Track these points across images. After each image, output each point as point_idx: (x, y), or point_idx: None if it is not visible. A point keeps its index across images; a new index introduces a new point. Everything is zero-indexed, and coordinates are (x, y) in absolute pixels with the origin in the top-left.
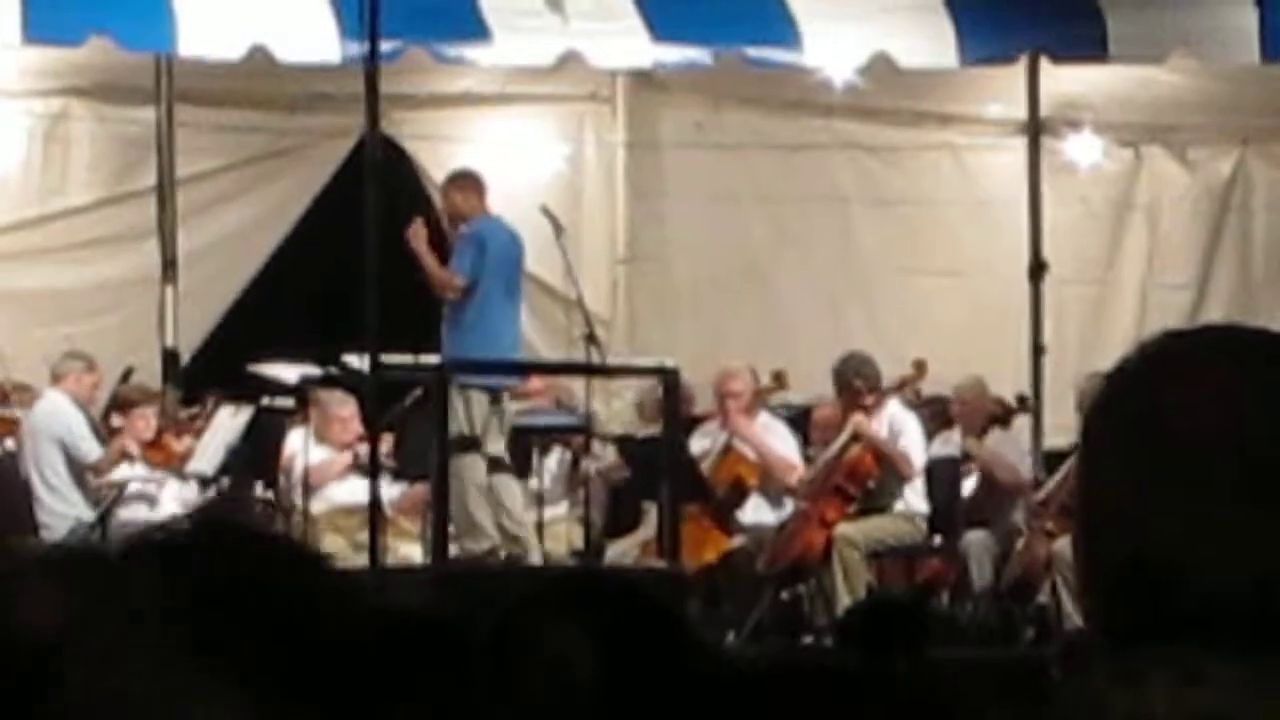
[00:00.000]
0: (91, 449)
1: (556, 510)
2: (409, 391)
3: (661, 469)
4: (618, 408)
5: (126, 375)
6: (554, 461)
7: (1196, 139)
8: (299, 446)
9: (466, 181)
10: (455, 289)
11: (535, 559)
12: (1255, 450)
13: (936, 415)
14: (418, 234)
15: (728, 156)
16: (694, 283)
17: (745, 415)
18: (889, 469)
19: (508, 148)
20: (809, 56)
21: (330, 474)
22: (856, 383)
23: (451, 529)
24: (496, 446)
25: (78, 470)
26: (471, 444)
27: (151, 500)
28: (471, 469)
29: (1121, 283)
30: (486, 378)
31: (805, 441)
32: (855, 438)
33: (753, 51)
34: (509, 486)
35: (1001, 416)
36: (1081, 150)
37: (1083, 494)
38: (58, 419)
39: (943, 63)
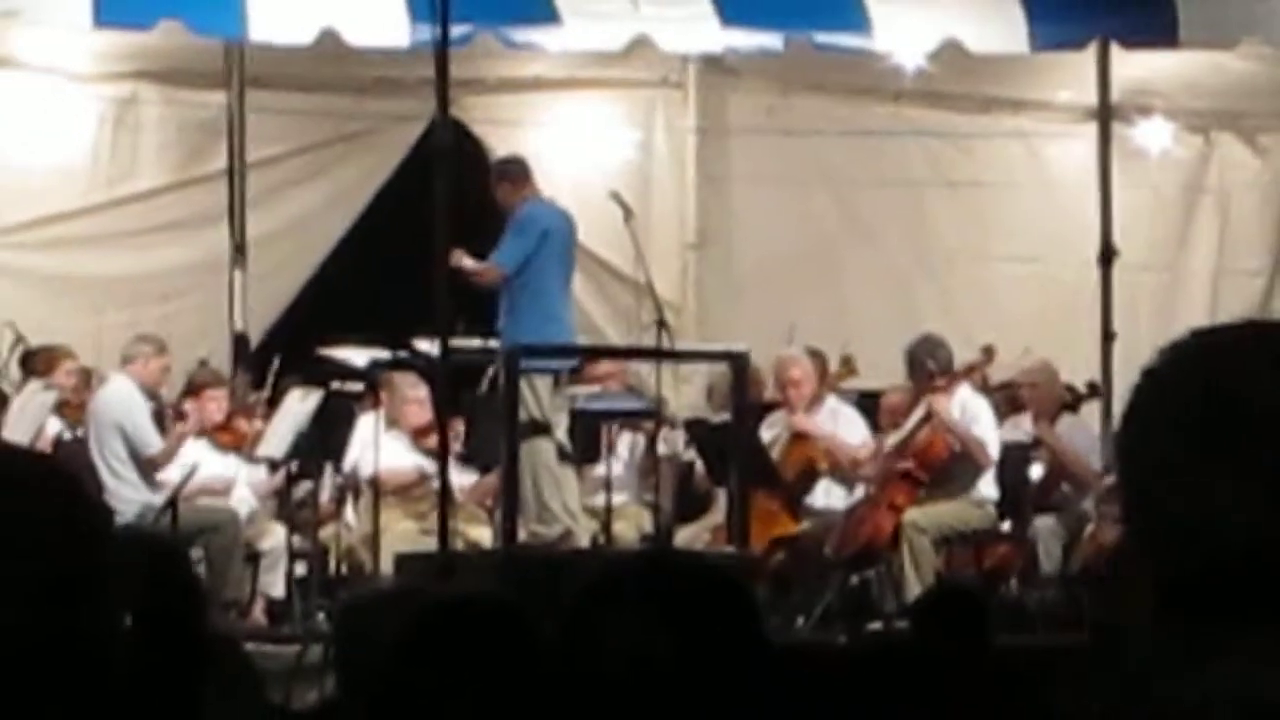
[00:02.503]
0: (149, 442)
1: (626, 495)
2: (479, 375)
3: (731, 454)
4: (687, 393)
5: (202, 365)
6: (623, 447)
7: (1267, 125)
8: (370, 432)
9: (513, 169)
10: (495, 278)
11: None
12: None
13: (1007, 401)
14: (457, 257)
15: (798, 142)
16: (764, 268)
17: (807, 409)
18: (964, 457)
19: (577, 133)
20: (879, 42)
21: (398, 483)
22: (929, 364)
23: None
24: (560, 432)
25: (140, 456)
26: (543, 428)
27: (222, 484)
28: (544, 453)
29: (1192, 269)
30: (550, 361)
31: (874, 427)
32: (927, 418)
33: (823, 37)
34: (566, 474)
35: (1071, 403)
36: (1152, 136)
37: (1135, 463)
38: (120, 405)
39: (1013, 48)
